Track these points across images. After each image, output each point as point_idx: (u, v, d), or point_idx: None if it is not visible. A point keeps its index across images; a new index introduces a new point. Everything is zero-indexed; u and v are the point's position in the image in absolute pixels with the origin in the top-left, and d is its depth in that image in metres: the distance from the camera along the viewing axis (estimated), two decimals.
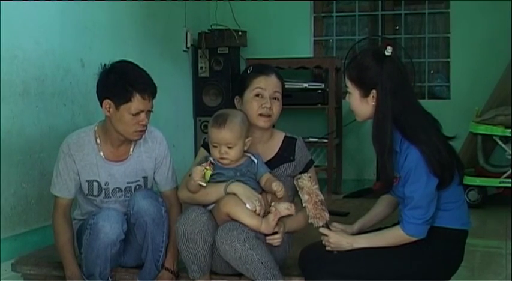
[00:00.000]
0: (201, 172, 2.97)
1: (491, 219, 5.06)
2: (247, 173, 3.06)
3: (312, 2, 6.61)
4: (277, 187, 2.97)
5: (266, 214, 2.97)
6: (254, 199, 2.95)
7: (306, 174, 2.97)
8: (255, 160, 3.09)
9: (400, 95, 2.80)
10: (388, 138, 2.78)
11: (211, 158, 3.04)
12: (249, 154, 3.11)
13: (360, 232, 3.02)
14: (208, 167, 2.98)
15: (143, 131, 3.18)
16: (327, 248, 2.92)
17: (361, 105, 2.87)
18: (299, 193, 2.91)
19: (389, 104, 2.78)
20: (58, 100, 4.20)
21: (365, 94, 2.84)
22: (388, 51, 2.82)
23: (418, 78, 6.39)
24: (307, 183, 2.90)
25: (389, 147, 2.78)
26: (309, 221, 2.93)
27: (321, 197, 2.91)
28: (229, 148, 3.02)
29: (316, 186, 2.94)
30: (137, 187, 3.30)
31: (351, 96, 2.90)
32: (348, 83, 2.90)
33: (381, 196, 3.16)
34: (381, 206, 3.13)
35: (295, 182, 2.95)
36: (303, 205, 2.90)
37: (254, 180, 3.07)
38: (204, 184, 2.97)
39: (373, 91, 2.81)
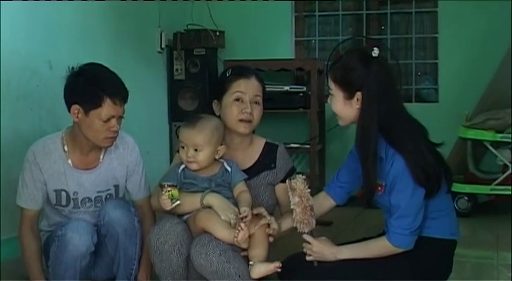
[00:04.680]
0: (168, 199, 2.94)
1: (481, 228, 5.09)
2: (223, 183, 3.07)
3: (293, 1, 6.62)
4: (244, 213, 2.91)
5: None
6: (230, 211, 2.94)
7: (300, 175, 2.95)
8: (229, 169, 3.09)
9: (386, 99, 2.80)
10: (372, 144, 2.78)
11: (165, 183, 3.01)
12: (223, 161, 3.11)
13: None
14: (169, 189, 2.94)
15: (114, 138, 3.17)
16: (308, 257, 2.92)
17: (344, 108, 2.88)
18: (289, 194, 2.90)
19: (375, 107, 2.79)
20: (24, 104, 4.18)
21: (349, 96, 2.85)
22: (375, 52, 2.83)
23: (405, 81, 6.42)
24: (300, 185, 2.89)
25: (373, 153, 2.78)
26: (294, 224, 2.92)
27: (312, 202, 2.91)
28: (196, 150, 3.02)
29: (309, 190, 2.93)
30: (108, 196, 3.28)
31: (334, 98, 2.90)
32: (331, 85, 2.90)
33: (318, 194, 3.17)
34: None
35: (287, 182, 2.93)
36: (291, 207, 2.89)
37: (229, 189, 3.08)
38: (179, 202, 2.96)
39: (358, 93, 2.82)
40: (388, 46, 6.46)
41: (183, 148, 3.05)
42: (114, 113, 3.09)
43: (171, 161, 3.54)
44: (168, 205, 2.94)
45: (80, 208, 3.25)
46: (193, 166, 3.05)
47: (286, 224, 3.07)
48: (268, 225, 2.98)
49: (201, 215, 2.97)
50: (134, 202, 3.37)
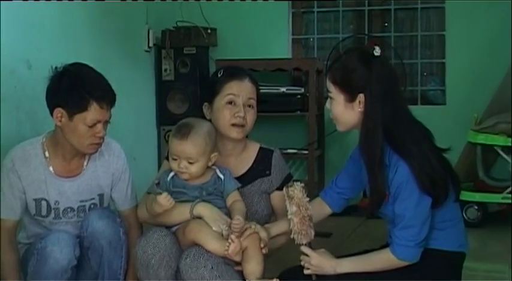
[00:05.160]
0: (167, 197, 2.96)
1: (492, 240, 5.09)
2: (215, 191, 3.08)
3: None
4: (237, 222, 2.91)
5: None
6: (222, 222, 2.95)
7: (299, 183, 2.96)
8: (222, 177, 3.10)
9: (390, 101, 2.82)
10: (378, 149, 2.80)
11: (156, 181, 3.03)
12: (215, 168, 3.12)
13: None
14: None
15: (99, 144, 3.18)
16: (306, 271, 2.92)
17: (345, 112, 2.89)
18: (286, 202, 2.90)
19: (379, 110, 2.81)
20: (1, 106, 4.17)
21: (351, 99, 2.86)
22: (377, 51, 2.85)
23: (410, 82, 6.44)
24: (298, 193, 2.90)
25: (379, 159, 2.80)
26: (292, 235, 2.92)
27: (311, 212, 2.91)
28: (190, 163, 3.02)
29: (308, 199, 2.94)
30: (92, 205, 3.28)
31: (334, 102, 2.91)
32: (331, 87, 2.91)
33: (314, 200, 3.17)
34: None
35: (284, 190, 2.94)
36: (289, 216, 2.90)
37: (221, 198, 3.09)
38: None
39: (361, 95, 2.83)
40: (392, 44, 6.48)
41: (174, 159, 3.06)
42: (100, 117, 3.09)
43: (159, 168, 3.55)
44: (166, 204, 2.94)
45: (61, 218, 3.25)
46: (185, 176, 3.06)
47: (277, 229, 3.09)
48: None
49: (191, 226, 2.97)
50: (120, 212, 3.37)
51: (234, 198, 3.09)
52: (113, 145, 3.35)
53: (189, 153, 3.01)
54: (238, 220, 2.92)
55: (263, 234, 3.00)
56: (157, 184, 3.07)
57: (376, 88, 2.81)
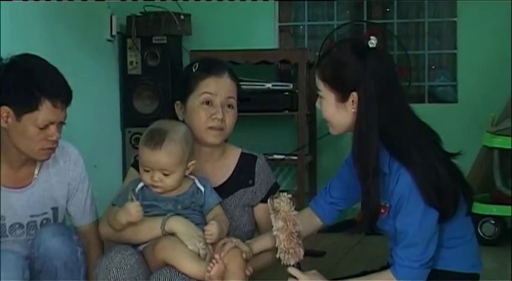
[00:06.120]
0: (137, 206, 2.96)
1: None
2: (192, 205, 3.07)
3: None
4: (208, 229, 2.95)
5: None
6: (198, 240, 2.94)
7: (285, 194, 2.95)
8: (202, 189, 3.09)
9: (388, 100, 2.83)
10: (373, 157, 2.80)
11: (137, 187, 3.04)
12: (193, 178, 3.11)
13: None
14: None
15: (53, 149, 3.16)
16: None
17: (337, 113, 2.89)
18: (271, 216, 2.90)
19: (375, 110, 2.81)
20: None
21: (343, 98, 2.86)
22: (372, 42, 2.86)
23: (416, 76, 6.47)
24: (285, 206, 2.90)
25: (374, 168, 2.80)
26: (278, 255, 2.92)
27: (299, 228, 2.91)
28: (165, 174, 3.02)
29: (296, 213, 2.94)
30: (44, 221, 3.27)
31: (324, 101, 2.92)
32: (320, 85, 2.92)
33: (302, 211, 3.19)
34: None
35: (269, 202, 2.94)
36: (274, 233, 2.89)
37: (200, 213, 3.08)
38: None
39: (354, 94, 2.84)
40: (394, 33, 6.50)
41: (146, 170, 3.04)
42: (53, 118, 3.08)
43: (124, 177, 3.55)
44: (135, 214, 2.93)
45: (7, 236, 3.23)
46: (160, 190, 3.04)
47: (259, 245, 3.09)
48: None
49: (162, 243, 2.96)
50: (77, 228, 3.36)
51: (216, 213, 3.08)
52: (69, 150, 3.34)
53: (164, 164, 3.00)
54: (212, 224, 2.93)
55: (245, 248, 3.00)
56: (133, 191, 3.05)
57: (371, 85, 2.81)
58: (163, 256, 2.94)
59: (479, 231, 5.25)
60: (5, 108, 3.08)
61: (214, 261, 2.84)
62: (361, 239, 5.31)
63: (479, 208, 5.10)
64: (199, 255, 2.92)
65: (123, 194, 3.07)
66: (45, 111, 3.05)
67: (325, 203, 3.19)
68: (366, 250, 5.07)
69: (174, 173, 3.02)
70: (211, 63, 3.28)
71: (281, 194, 2.96)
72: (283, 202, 2.91)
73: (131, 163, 3.29)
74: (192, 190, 3.08)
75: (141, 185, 3.07)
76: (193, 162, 3.08)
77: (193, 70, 3.23)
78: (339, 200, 3.17)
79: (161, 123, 3.12)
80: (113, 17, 6.09)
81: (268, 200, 2.95)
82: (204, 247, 2.92)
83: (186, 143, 3.04)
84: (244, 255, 2.97)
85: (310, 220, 3.19)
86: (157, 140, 3.00)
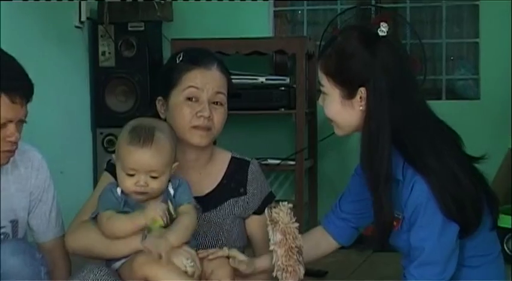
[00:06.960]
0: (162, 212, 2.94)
1: None
2: None
3: None
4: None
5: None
6: (185, 255, 2.93)
7: (285, 203, 2.97)
8: (172, 191, 3.05)
9: (401, 96, 2.83)
10: (385, 161, 2.80)
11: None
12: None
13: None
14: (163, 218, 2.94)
15: (12, 151, 3.15)
16: None
17: (343, 111, 2.90)
18: (269, 228, 2.91)
19: (386, 108, 2.81)
20: None
21: (349, 94, 2.87)
22: (383, 29, 2.86)
23: (432, 69, 6.48)
24: (284, 217, 2.91)
25: (386, 174, 2.80)
26: (274, 273, 2.93)
27: (300, 243, 2.93)
28: (153, 177, 3.01)
29: (297, 225, 2.95)
30: (2, 236, 3.27)
31: (328, 98, 2.92)
32: (323, 79, 2.92)
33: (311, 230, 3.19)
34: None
35: (267, 212, 2.96)
36: (271, 247, 2.91)
37: None
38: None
39: (362, 90, 2.84)
40: (407, 19, 6.51)
41: (130, 175, 3.03)
42: (12, 115, 3.07)
43: (95, 184, 3.54)
44: (160, 212, 2.92)
45: None
46: (144, 197, 3.01)
47: (262, 262, 3.08)
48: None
49: (143, 259, 2.94)
50: (40, 244, 3.36)
51: (180, 210, 3.02)
52: (30, 154, 3.33)
53: (155, 164, 2.98)
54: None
55: (242, 257, 3.01)
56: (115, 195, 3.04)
57: (382, 79, 2.82)
58: (144, 273, 2.92)
59: (505, 247, 5.25)
60: None
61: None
62: (368, 257, 5.32)
63: (504, 221, 5.10)
64: (186, 273, 2.91)
65: (106, 202, 3.03)
66: (2, 107, 3.03)
67: (338, 219, 3.18)
68: (374, 269, 5.08)
69: (164, 174, 3.01)
70: (199, 54, 3.27)
71: (280, 203, 2.97)
72: (282, 212, 2.92)
73: (104, 167, 3.27)
74: (164, 196, 3.05)
75: (120, 189, 3.04)
76: (176, 163, 3.07)
77: (177, 61, 3.22)
78: (351, 215, 3.17)
79: (142, 120, 3.10)
80: (83, 2, 6.08)
81: (266, 210, 2.96)
82: (192, 263, 2.91)
83: (173, 140, 3.05)
84: (243, 266, 2.98)
85: (322, 240, 3.19)
86: (145, 137, 2.98)
